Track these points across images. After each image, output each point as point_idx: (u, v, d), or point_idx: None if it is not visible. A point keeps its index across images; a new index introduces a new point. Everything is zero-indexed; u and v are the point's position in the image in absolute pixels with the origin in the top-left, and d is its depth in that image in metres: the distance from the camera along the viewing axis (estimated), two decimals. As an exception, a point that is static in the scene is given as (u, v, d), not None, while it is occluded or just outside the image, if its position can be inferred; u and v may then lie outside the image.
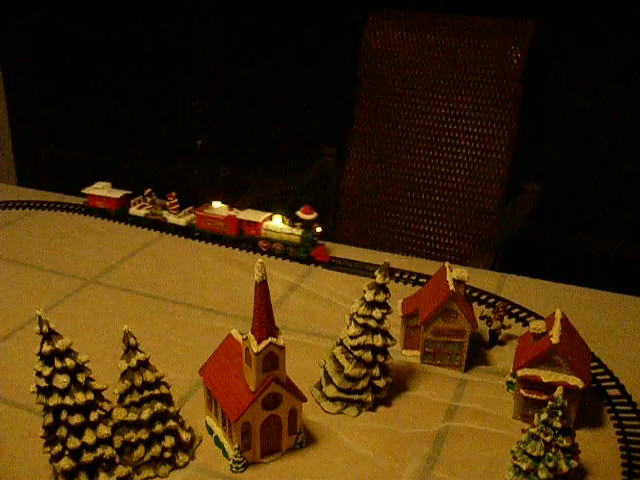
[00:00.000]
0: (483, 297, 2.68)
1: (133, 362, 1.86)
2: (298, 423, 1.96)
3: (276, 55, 4.98)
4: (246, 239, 3.03)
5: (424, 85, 4.21)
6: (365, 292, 2.04)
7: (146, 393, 1.88)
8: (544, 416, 1.84)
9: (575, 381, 2.00)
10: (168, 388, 1.92)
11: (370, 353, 2.06)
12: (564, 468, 1.84)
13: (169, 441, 1.91)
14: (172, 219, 3.17)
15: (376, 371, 2.08)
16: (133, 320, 2.52)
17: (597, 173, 4.39)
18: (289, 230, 2.89)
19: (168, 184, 4.95)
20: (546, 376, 2.00)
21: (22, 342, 2.44)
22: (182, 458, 1.95)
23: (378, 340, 2.05)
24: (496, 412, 2.13)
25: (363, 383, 2.08)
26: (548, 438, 1.84)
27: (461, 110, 4.14)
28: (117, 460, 1.87)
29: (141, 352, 1.86)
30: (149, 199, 3.27)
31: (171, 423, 1.92)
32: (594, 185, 4.39)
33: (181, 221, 3.15)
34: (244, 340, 1.85)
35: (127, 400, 1.88)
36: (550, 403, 1.84)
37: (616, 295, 2.79)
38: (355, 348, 2.06)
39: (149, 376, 1.88)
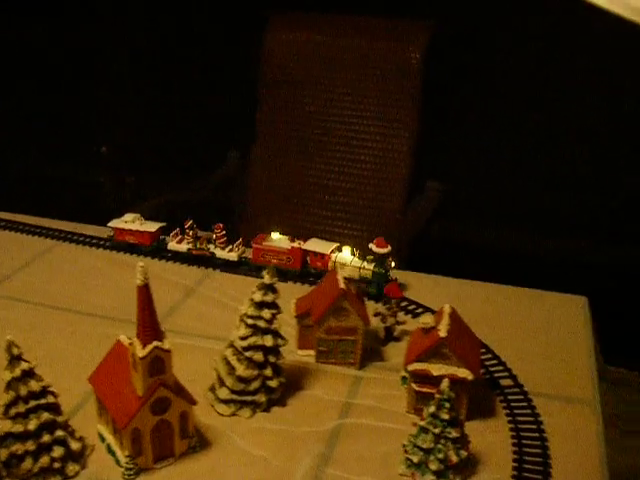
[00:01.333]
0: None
1: (17, 372, 1.82)
2: (190, 427, 1.94)
3: (178, 59, 4.94)
4: (312, 273, 2.80)
5: (325, 86, 4.22)
6: (254, 293, 2.04)
7: (32, 403, 1.85)
8: (432, 409, 1.87)
9: (464, 373, 2.03)
10: (55, 397, 1.89)
11: (261, 354, 2.06)
12: (454, 459, 1.87)
13: (58, 451, 1.88)
14: (221, 253, 2.89)
15: (268, 371, 2.08)
16: (25, 330, 2.48)
17: (498, 171, 4.46)
18: (359, 263, 2.65)
19: (72, 192, 4.90)
20: (436, 369, 2.03)
21: None
22: (73, 468, 1.92)
23: (268, 340, 2.05)
24: (390, 407, 2.15)
25: (256, 384, 2.08)
26: (437, 430, 1.86)
27: (362, 111, 4.16)
28: (4, 473, 1.83)
29: (26, 361, 1.83)
30: (191, 232, 2.92)
31: (59, 433, 1.88)
32: (495, 182, 4.46)
33: (232, 255, 2.87)
34: (130, 345, 1.82)
35: (12, 411, 1.84)
36: (437, 396, 1.86)
37: (510, 288, 2.85)
38: (246, 349, 2.05)
39: (34, 386, 1.84)
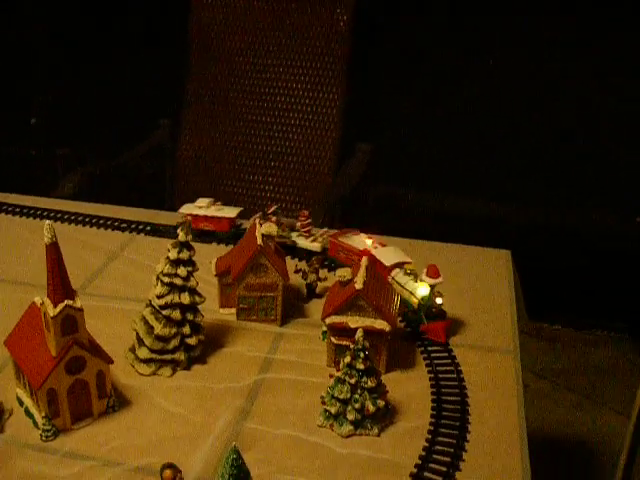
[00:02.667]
0: (305, 254, 2.70)
1: None
2: (107, 386, 1.94)
3: (108, 28, 4.88)
4: None
5: (254, 51, 4.22)
6: (169, 251, 2.03)
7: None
8: (347, 359, 1.89)
9: (382, 325, 2.05)
10: (-30, 362, 1.87)
11: (179, 312, 2.06)
12: (371, 408, 1.89)
13: (-28, 415, 1.86)
14: (303, 243, 2.66)
15: (187, 329, 2.08)
16: None
17: (426, 132, 4.50)
18: (412, 287, 2.30)
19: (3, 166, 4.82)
20: (353, 322, 2.05)
21: None
22: (-11, 433, 1.90)
23: (185, 298, 2.05)
24: (311, 362, 2.17)
25: (175, 342, 2.08)
26: (353, 380, 1.88)
27: (291, 74, 4.16)
28: None
29: (-64, 327, 1.80)
30: (274, 218, 2.66)
31: (-26, 391, 1.87)
32: (424, 143, 4.50)
33: (315, 246, 2.63)
34: (41, 305, 1.81)
35: None
36: (352, 346, 1.88)
37: (434, 243, 2.88)
38: (163, 307, 2.05)
39: (-53, 350, 1.82)
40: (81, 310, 1.80)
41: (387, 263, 2.39)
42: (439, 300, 2.24)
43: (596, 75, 4.18)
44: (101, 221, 2.99)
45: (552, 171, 4.42)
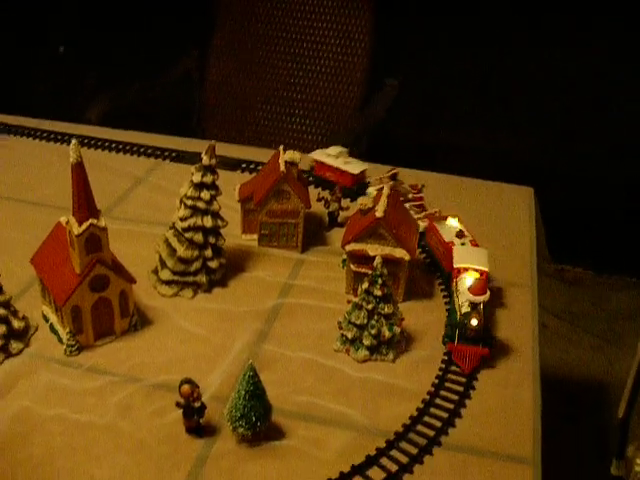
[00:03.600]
0: (326, 183, 2.72)
1: (-45, 252, 1.84)
2: (130, 305, 1.98)
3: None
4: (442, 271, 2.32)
5: (284, -19, 4.18)
6: (193, 174, 2.06)
7: (-27, 283, 1.87)
8: (365, 285, 1.91)
9: (401, 253, 2.07)
10: (-3, 277, 1.91)
11: (201, 235, 2.09)
12: (387, 334, 1.92)
13: (0, 329, 1.92)
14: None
15: (208, 252, 2.12)
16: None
17: (455, 69, 4.46)
18: (461, 299, 2.01)
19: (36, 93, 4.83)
20: (372, 249, 2.07)
21: None
22: (16, 346, 1.96)
23: (208, 221, 2.08)
24: (330, 288, 2.20)
25: (196, 265, 2.11)
26: (370, 306, 1.91)
27: (321, 6, 4.12)
28: (-53, 351, 1.87)
29: (-37, 242, 1.84)
30: (392, 182, 2.51)
31: (1, 311, 1.92)
32: (451, 78, 4.46)
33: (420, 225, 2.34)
34: (67, 224, 1.84)
35: (-47, 293, 1.87)
36: (370, 272, 1.90)
37: (458, 177, 2.89)
38: (186, 230, 2.08)
39: (-25, 266, 1.86)
40: (105, 229, 1.83)
41: (457, 264, 2.10)
42: (474, 322, 1.87)
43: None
44: (127, 147, 3.01)
45: (580, 110, 4.37)
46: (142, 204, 2.61)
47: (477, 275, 2.02)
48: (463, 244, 2.19)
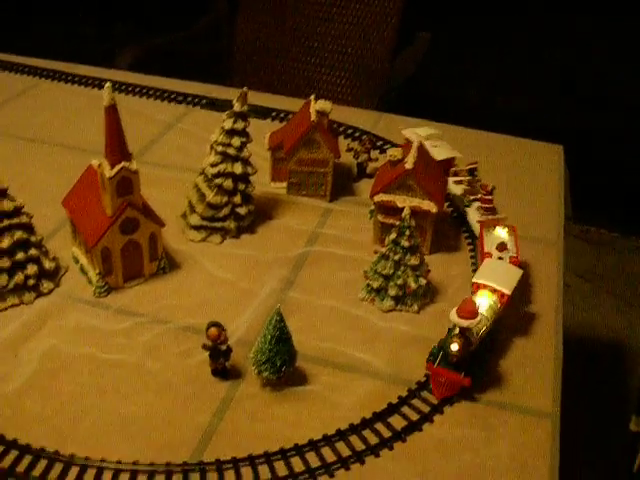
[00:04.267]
0: (356, 134, 2.72)
1: (-11, 191, 1.87)
2: (159, 249, 2.00)
3: None
4: None
5: None
6: (224, 120, 2.06)
7: (5, 222, 1.90)
8: (393, 236, 1.92)
9: (429, 205, 2.08)
10: (29, 218, 1.94)
11: (231, 181, 2.10)
12: (412, 285, 1.94)
13: (32, 269, 1.95)
14: (473, 215, 2.25)
15: (237, 199, 2.13)
16: (5, 162, 2.50)
17: (486, 23, 4.42)
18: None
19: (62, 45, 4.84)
20: (400, 201, 2.08)
21: None
22: (47, 286, 1.99)
23: (238, 168, 2.09)
24: (357, 238, 2.21)
25: (225, 211, 2.13)
26: (397, 257, 1.92)
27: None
28: (-20, 288, 1.90)
29: (-2, 183, 1.87)
30: (469, 177, 2.35)
31: (33, 252, 1.94)
32: (484, 34, 4.43)
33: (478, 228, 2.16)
34: (99, 167, 1.86)
35: (-14, 230, 1.90)
36: (398, 223, 1.91)
37: (487, 133, 2.88)
38: (216, 176, 2.10)
39: (7, 205, 1.89)
40: (136, 172, 1.85)
41: (478, 279, 1.89)
42: (454, 347, 1.65)
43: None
44: (158, 93, 3.02)
45: (608, 67, 4.32)
46: (172, 150, 2.63)
47: (494, 297, 1.80)
48: (500, 258, 1.96)
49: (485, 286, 1.82)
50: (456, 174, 2.36)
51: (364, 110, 3.08)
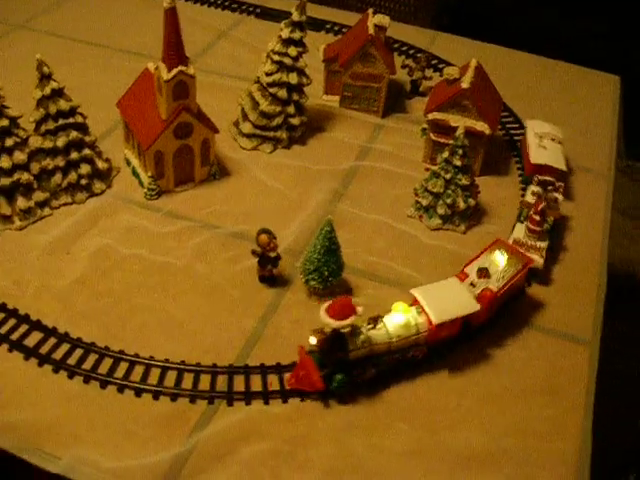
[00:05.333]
0: (411, 51, 2.69)
1: (47, 90, 1.88)
2: (211, 155, 2.01)
3: None
4: None
5: None
6: (282, 30, 2.05)
7: (61, 122, 1.91)
8: (445, 154, 1.92)
9: (482, 127, 2.06)
10: (84, 118, 1.95)
11: (285, 90, 2.10)
12: (461, 205, 1.94)
13: (85, 169, 1.97)
14: (518, 232, 1.93)
15: (291, 109, 2.13)
16: (59, 63, 2.47)
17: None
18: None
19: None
20: (454, 120, 2.06)
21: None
22: (99, 186, 2.01)
23: (293, 78, 2.09)
24: (407, 155, 2.21)
25: (278, 120, 2.13)
26: (448, 175, 1.92)
27: None
28: (35, 186, 1.93)
29: (55, 81, 1.88)
30: (550, 195, 1.99)
31: (87, 152, 1.96)
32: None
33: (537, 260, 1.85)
34: (155, 69, 1.86)
35: (43, 128, 1.92)
36: (451, 142, 1.90)
37: (544, 59, 2.83)
38: (270, 85, 2.09)
39: (64, 105, 1.90)
40: (193, 77, 1.85)
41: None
42: (311, 339, 1.51)
43: None
44: (212, 0, 2.98)
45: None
46: (225, 58, 2.62)
47: (419, 318, 1.57)
48: (472, 285, 1.69)
49: (417, 302, 1.60)
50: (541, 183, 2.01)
51: (419, 28, 3.03)
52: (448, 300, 1.59)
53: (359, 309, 1.47)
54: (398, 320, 1.54)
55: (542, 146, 2.10)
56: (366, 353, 1.52)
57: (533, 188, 2.00)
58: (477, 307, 1.58)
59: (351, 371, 1.51)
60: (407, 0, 4.05)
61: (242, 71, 2.51)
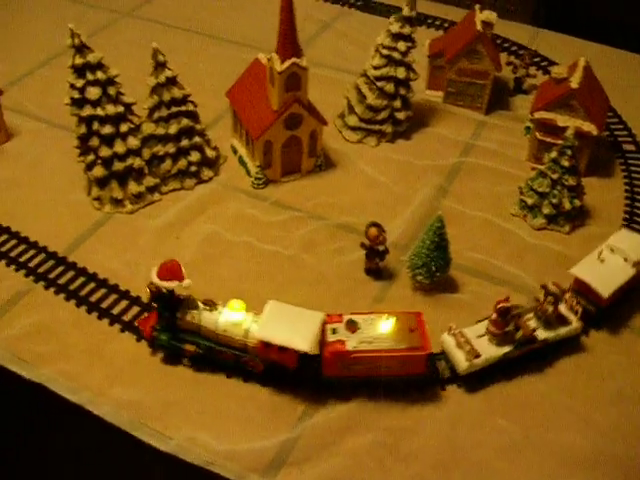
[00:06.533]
0: (514, 48, 2.67)
1: (162, 78, 1.93)
2: (318, 146, 2.04)
3: None
4: None
5: None
6: (391, 24, 2.06)
7: (174, 109, 1.96)
8: (553, 154, 1.90)
9: (589, 127, 2.04)
10: (195, 106, 1.99)
11: (392, 85, 2.11)
12: (567, 206, 1.93)
13: (195, 156, 2.01)
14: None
15: (397, 103, 2.14)
16: (166, 52, 2.54)
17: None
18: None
19: None
20: (562, 120, 2.05)
21: (57, 69, 2.52)
22: (207, 173, 2.06)
23: (401, 72, 2.09)
24: (511, 153, 2.20)
25: (384, 114, 2.15)
26: (555, 176, 1.91)
27: None
28: (146, 171, 1.98)
29: (169, 69, 1.92)
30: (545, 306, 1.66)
31: (197, 139, 2.01)
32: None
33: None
34: (268, 60, 1.89)
35: (156, 115, 1.97)
36: (560, 142, 1.89)
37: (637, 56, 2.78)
38: (378, 79, 2.11)
39: (177, 93, 1.95)
40: (306, 69, 1.87)
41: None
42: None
43: None
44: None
45: None
46: (328, 50, 2.64)
47: (248, 316, 1.56)
48: (334, 331, 1.54)
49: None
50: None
51: (520, 24, 3.00)
52: (290, 326, 1.49)
53: (186, 281, 1.53)
54: (233, 317, 1.54)
55: (600, 259, 1.74)
56: (193, 329, 1.57)
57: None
58: (309, 349, 1.45)
59: (177, 338, 1.57)
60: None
61: (345, 64, 2.53)
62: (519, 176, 2.06)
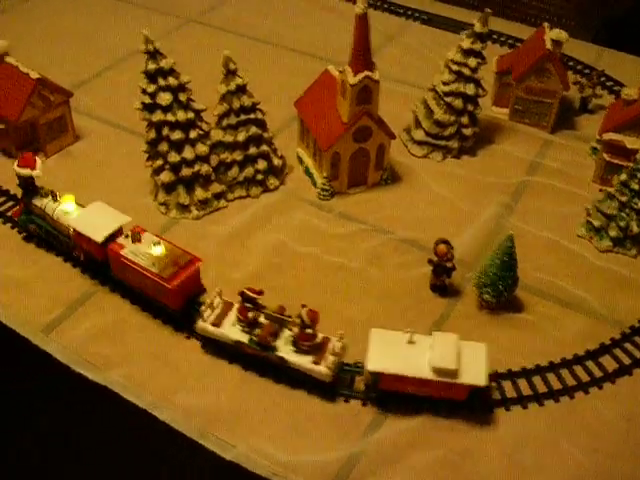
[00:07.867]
0: (579, 67, 2.66)
1: (232, 86, 1.94)
2: (385, 159, 2.04)
3: None
4: None
5: None
6: (463, 40, 2.06)
7: (242, 117, 1.97)
8: (623, 177, 1.89)
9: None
10: (263, 114, 2.00)
11: (461, 101, 2.11)
12: (635, 229, 1.91)
13: (262, 164, 2.02)
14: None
15: (465, 119, 2.14)
16: (239, 60, 2.57)
17: None
18: None
19: None
20: (631, 142, 2.03)
21: (123, 73, 2.56)
22: (273, 182, 2.07)
23: (470, 89, 2.09)
24: (576, 174, 2.19)
25: (451, 130, 2.14)
26: (624, 198, 1.89)
27: None
28: (213, 178, 1.99)
29: (240, 77, 1.93)
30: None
31: (264, 148, 2.02)
32: None
33: None
34: (340, 72, 1.90)
35: (225, 122, 1.98)
36: (631, 165, 1.88)
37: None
38: (447, 94, 2.10)
39: (246, 101, 1.96)
40: (377, 82, 1.88)
41: None
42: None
43: None
44: (378, 3, 3.01)
45: None
46: (392, 62, 2.64)
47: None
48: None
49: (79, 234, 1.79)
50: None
51: (584, 42, 2.98)
52: (97, 219, 1.77)
53: (36, 171, 1.82)
54: (65, 207, 1.83)
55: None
56: (41, 214, 1.87)
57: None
58: (98, 240, 1.71)
59: (30, 220, 1.90)
60: (569, 14, 3.96)
61: (409, 77, 2.54)
62: (585, 197, 2.05)
